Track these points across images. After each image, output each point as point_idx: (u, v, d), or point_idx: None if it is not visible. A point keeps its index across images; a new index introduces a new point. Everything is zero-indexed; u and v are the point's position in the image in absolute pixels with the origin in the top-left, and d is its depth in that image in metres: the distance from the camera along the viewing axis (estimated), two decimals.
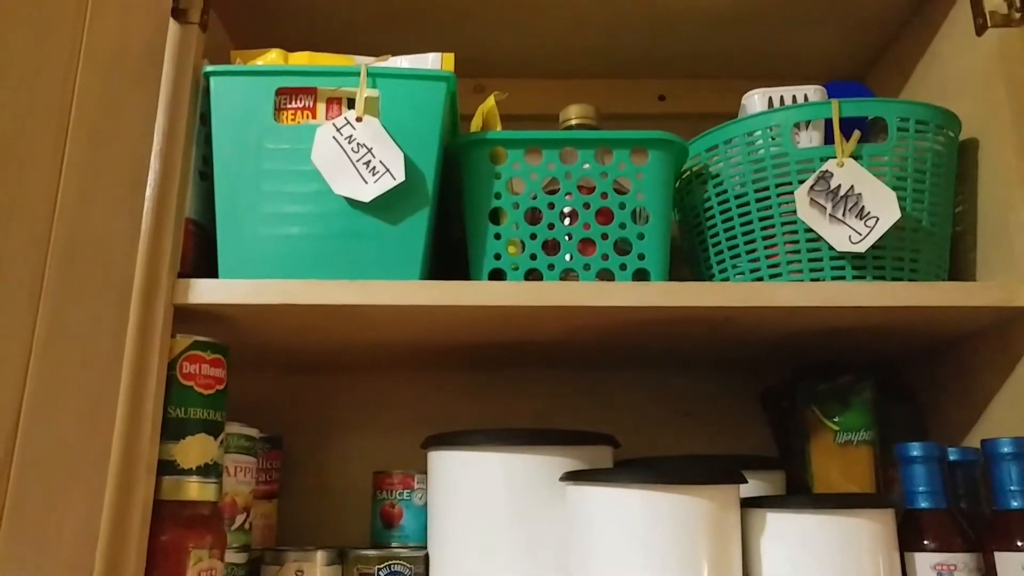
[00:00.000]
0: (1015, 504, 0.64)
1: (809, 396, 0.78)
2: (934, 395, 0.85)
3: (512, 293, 0.67)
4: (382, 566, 0.73)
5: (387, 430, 0.92)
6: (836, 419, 0.76)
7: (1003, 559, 0.63)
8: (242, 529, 0.75)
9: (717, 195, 0.76)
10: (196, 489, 0.65)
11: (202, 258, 0.71)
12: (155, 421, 0.63)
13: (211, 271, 0.68)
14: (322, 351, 0.85)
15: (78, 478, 0.61)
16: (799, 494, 0.78)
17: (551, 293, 0.67)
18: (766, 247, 0.73)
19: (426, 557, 0.75)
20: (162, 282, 0.65)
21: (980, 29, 0.74)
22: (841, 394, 0.77)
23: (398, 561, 0.73)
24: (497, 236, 0.72)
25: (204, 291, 0.66)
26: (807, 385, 0.79)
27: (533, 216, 0.73)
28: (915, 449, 0.69)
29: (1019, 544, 0.63)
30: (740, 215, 0.75)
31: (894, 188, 0.70)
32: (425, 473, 0.80)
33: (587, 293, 0.67)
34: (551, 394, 0.94)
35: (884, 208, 0.69)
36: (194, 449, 0.65)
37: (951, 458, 0.73)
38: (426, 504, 0.80)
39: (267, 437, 0.84)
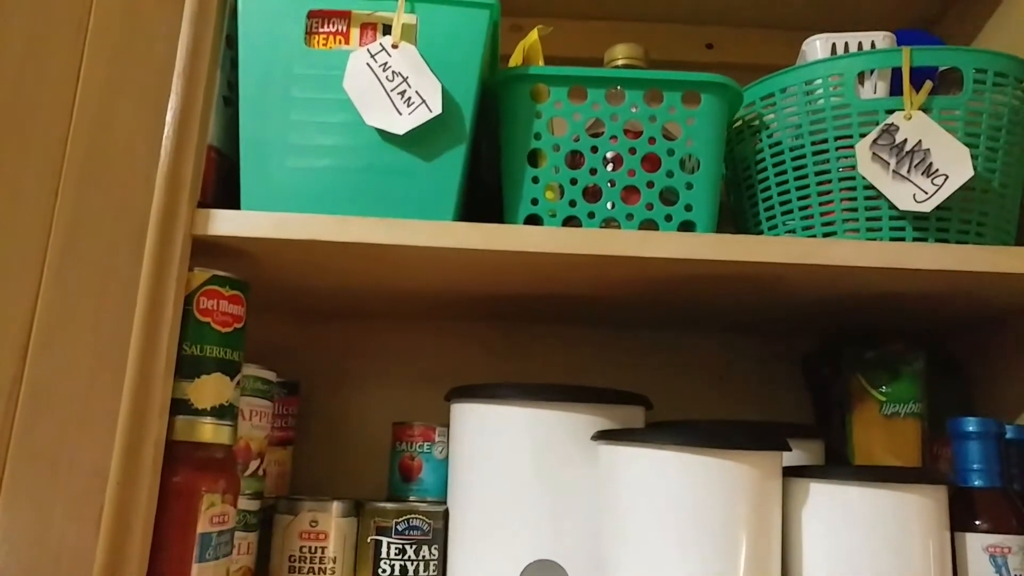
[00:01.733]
0: None
1: (855, 363, 0.74)
2: (985, 369, 0.81)
3: (550, 239, 0.62)
4: (400, 520, 0.70)
5: (408, 382, 0.89)
6: (884, 389, 0.72)
7: None
8: (256, 476, 0.72)
9: (771, 147, 0.72)
10: (210, 431, 0.62)
11: (224, 189, 0.67)
12: (169, 357, 0.60)
13: (233, 203, 0.64)
14: (345, 296, 0.81)
15: (90, 412, 0.58)
16: (840, 465, 0.75)
17: (591, 241, 0.63)
18: (821, 204, 0.69)
19: (445, 512, 0.72)
20: (181, 211, 0.61)
21: None
22: (890, 363, 0.72)
23: (416, 515, 0.70)
24: (535, 180, 0.68)
25: (225, 223, 0.62)
26: (854, 351, 0.74)
27: (574, 160, 0.68)
28: (971, 424, 0.65)
29: None
30: (795, 169, 0.70)
31: (966, 145, 0.65)
32: (447, 427, 0.77)
33: (630, 242, 0.63)
34: (580, 353, 0.90)
35: (955, 165, 0.64)
36: (209, 389, 0.62)
37: (1008, 436, 0.69)
38: (446, 458, 0.77)
39: (284, 382, 0.81)
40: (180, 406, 0.61)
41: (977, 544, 0.62)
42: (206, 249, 0.64)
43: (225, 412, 0.63)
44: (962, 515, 0.63)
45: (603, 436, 0.63)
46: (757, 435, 0.60)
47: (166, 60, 0.61)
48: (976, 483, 0.64)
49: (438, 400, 0.79)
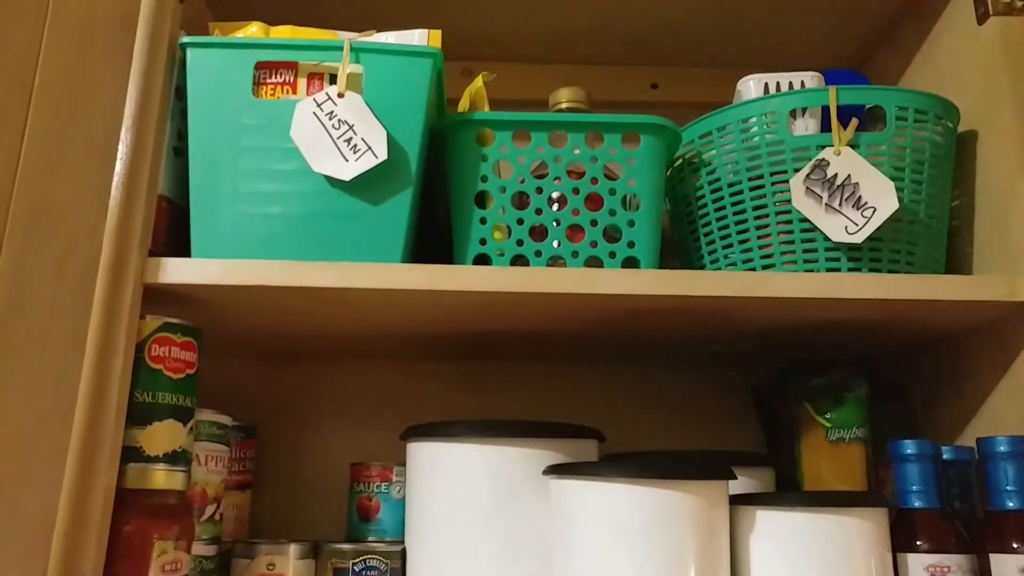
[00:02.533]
0: (1011, 504, 0.62)
1: (801, 392, 0.76)
2: (927, 393, 0.83)
3: (497, 279, 0.64)
4: (357, 560, 0.70)
5: (366, 421, 0.90)
6: (828, 416, 0.74)
7: (998, 561, 0.61)
8: (212, 520, 0.72)
9: (710, 183, 0.74)
10: (163, 477, 0.62)
11: (175, 237, 0.68)
12: (120, 405, 0.60)
13: (185, 251, 0.65)
14: (300, 337, 0.82)
15: (34, 464, 0.58)
16: (789, 491, 0.76)
17: (538, 279, 0.64)
18: (759, 237, 0.71)
19: (403, 552, 0.72)
20: (131, 260, 0.62)
21: (982, 18, 0.73)
22: (834, 390, 0.75)
23: (374, 556, 0.71)
24: (483, 221, 0.69)
25: (176, 271, 0.63)
26: (799, 381, 0.77)
27: (520, 201, 0.70)
28: (909, 447, 0.67)
29: (1015, 546, 0.61)
30: (733, 204, 0.72)
31: (892, 178, 0.68)
32: (404, 466, 0.78)
33: (575, 280, 0.64)
34: (536, 387, 0.92)
35: (882, 198, 0.67)
36: (161, 435, 0.62)
37: (945, 457, 0.71)
38: (404, 498, 0.77)
39: (241, 425, 0.81)
40: (132, 454, 0.61)
41: (919, 564, 0.64)
42: (158, 296, 0.65)
43: (178, 458, 0.63)
44: (903, 536, 0.65)
45: (553, 471, 0.64)
46: (703, 465, 0.62)
47: (114, 112, 0.63)
48: (916, 504, 0.66)
49: (394, 437, 0.80)
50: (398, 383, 0.91)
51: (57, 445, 0.58)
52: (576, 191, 0.70)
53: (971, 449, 0.72)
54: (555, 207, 0.70)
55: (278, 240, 0.65)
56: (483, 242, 0.69)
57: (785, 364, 0.85)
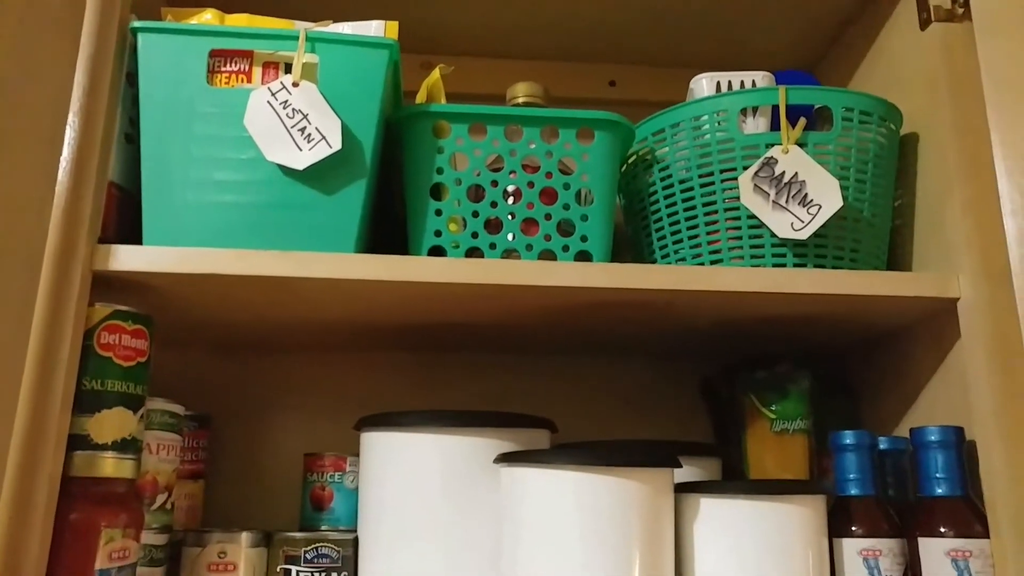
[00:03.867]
0: (939, 491, 0.65)
1: (747, 384, 0.78)
2: (869, 387, 0.86)
3: (452, 270, 0.65)
4: (309, 548, 0.71)
5: (321, 413, 0.90)
6: (773, 407, 0.76)
7: (926, 544, 0.64)
8: (163, 509, 0.72)
9: (662, 180, 0.76)
10: (111, 465, 0.62)
11: (127, 226, 0.67)
12: (66, 393, 0.60)
13: (137, 240, 0.65)
14: (254, 329, 0.82)
15: None
16: (733, 480, 0.78)
17: (492, 271, 0.65)
18: (709, 233, 0.73)
19: (355, 540, 0.73)
20: (79, 247, 0.61)
21: (924, 24, 0.75)
22: (779, 382, 0.77)
23: (325, 544, 0.71)
24: (438, 213, 0.70)
25: (126, 258, 0.63)
26: (745, 373, 0.79)
27: (476, 193, 0.71)
28: (847, 437, 0.69)
29: (942, 530, 0.64)
30: (684, 200, 0.74)
31: (837, 177, 0.70)
32: (357, 456, 0.78)
33: (529, 272, 0.65)
34: (492, 379, 0.93)
35: (827, 196, 0.69)
36: (110, 423, 0.62)
37: (881, 447, 0.73)
38: (357, 487, 0.78)
39: (194, 415, 0.81)
40: (79, 442, 0.61)
41: (853, 548, 0.66)
42: (110, 285, 0.64)
43: (127, 446, 0.63)
44: (840, 522, 0.67)
45: (503, 458, 0.65)
46: (649, 453, 0.63)
47: (61, 97, 0.62)
48: (852, 492, 0.68)
49: (348, 428, 0.80)
50: (353, 374, 0.91)
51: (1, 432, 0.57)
52: (531, 185, 0.71)
53: (906, 439, 0.75)
54: (510, 200, 0.71)
55: (231, 229, 0.65)
56: (438, 234, 0.70)
57: (734, 358, 0.87)
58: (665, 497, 0.63)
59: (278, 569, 0.70)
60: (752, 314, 0.74)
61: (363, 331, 0.83)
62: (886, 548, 0.66)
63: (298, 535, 0.71)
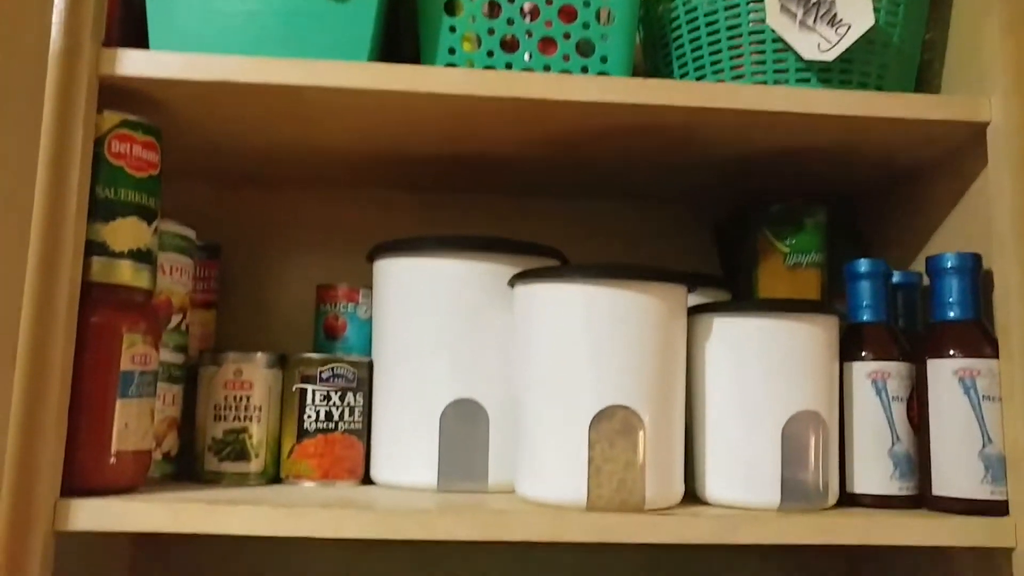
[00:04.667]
0: (951, 315, 0.65)
1: (762, 218, 0.78)
2: (880, 230, 0.86)
3: (468, 81, 0.63)
4: (324, 368, 0.72)
5: (329, 251, 0.89)
6: (788, 241, 0.76)
7: (935, 365, 0.65)
8: (178, 330, 0.73)
9: (684, 4, 0.73)
10: (129, 272, 0.62)
11: (132, 36, 0.65)
12: (81, 199, 0.60)
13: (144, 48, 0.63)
14: (262, 157, 0.81)
15: None
16: (742, 299, 0.79)
17: (509, 83, 0.63)
18: (731, 58, 0.71)
19: (370, 363, 0.74)
20: (84, 50, 0.59)
21: None
22: (794, 215, 0.76)
23: (341, 364, 0.72)
24: (452, 29, 0.68)
25: (133, 63, 0.61)
26: (760, 208, 0.78)
27: (492, 10, 0.68)
28: (863, 265, 0.69)
29: (951, 352, 0.64)
30: (707, 24, 0.71)
31: None
32: (370, 288, 0.79)
33: (547, 85, 0.64)
34: (498, 221, 0.92)
35: (858, 15, 0.66)
36: (125, 232, 0.62)
37: (894, 280, 0.74)
38: (370, 319, 0.79)
39: (204, 245, 0.80)
40: (96, 248, 0.61)
41: (862, 371, 0.67)
42: (115, 94, 0.63)
43: (143, 257, 0.63)
44: (851, 347, 0.68)
45: (518, 277, 0.66)
46: (663, 270, 0.63)
47: None
48: (864, 318, 0.69)
49: (358, 268, 0.80)
50: (362, 213, 0.90)
51: (17, 238, 0.57)
52: (549, 2, 0.68)
53: (919, 274, 0.75)
54: (527, 18, 0.69)
55: (240, 36, 0.63)
56: (452, 51, 0.68)
57: (745, 201, 0.86)
58: (678, 315, 0.64)
59: (294, 388, 0.72)
60: (770, 145, 0.73)
61: (372, 163, 0.81)
62: (894, 371, 0.67)
63: (314, 356, 0.73)
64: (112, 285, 0.61)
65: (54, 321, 0.58)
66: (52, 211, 0.59)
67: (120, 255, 0.62)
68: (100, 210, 0.61)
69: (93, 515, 0.57)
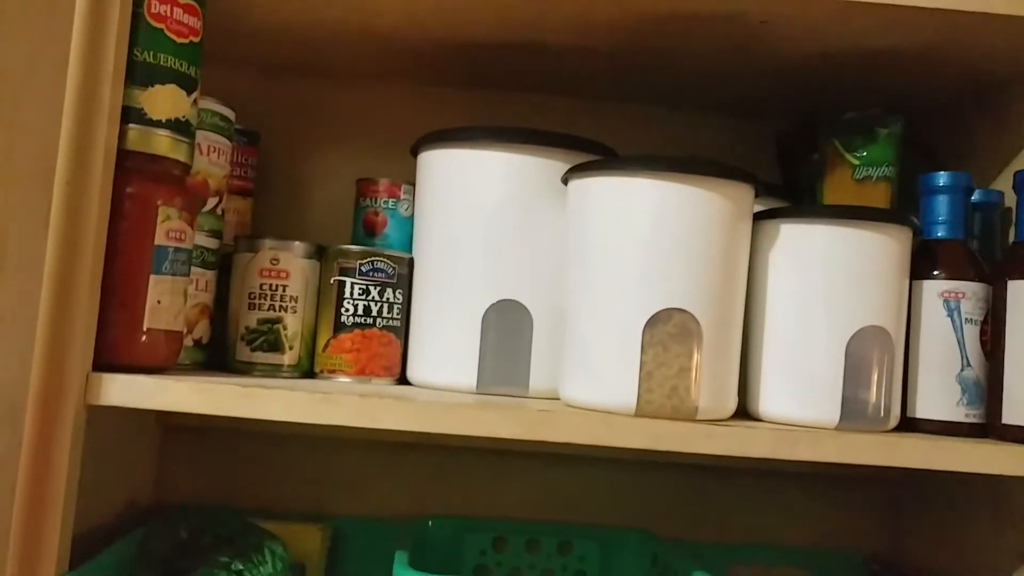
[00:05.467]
0: None
1: (832, 127, 0.73)
2: (960, 149, 0.80)
3: None
4: (364, 261, 0.69)
5: (372, 145, 0.86)
6: (859, 152, 0.71)
7: (1016, 287, 0.61)
8: (214, 214, 0.70)
9: None
10: (167, 143, 0.59)
11: None
12: (118, 60, 0.56)
13: None
14: (307, 42, 0.77)
15: (28, 111, 0.54)
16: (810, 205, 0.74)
17: None
18: None
19: (411, 260, 0.71)
20: None
21: None
22: (868, 125, 0.71)
23: (381, 258, 0.69)
24: None
25: None
26: (832, 117, 0.73)
27: None
28: (941, 178, 0.65)
29: None
30: None
31: None
32: (412, 185, 0.75)
33: None
34: (551, 122, 0.86)
35: None
36: (164, 99, 0.59)
37: (974, 200, 0.69)
38: (411, 217, 0.75)
39: (243, 131, 0.77)
40: (133, 114, 0.58)
41: (934, 290, 0.63)
42: None
43: (182, 128, 0.60)
44: (923, 265, 0.64)
45: (574, 171, 0.62)
46: (731, 167, 0.59)
47: None
48: (939, 235, 0.64)
49: (401, 165, 0.76)
50: (406, 109, 0.86)
51: (51, 97, 0.54)
52: None
53: (1001, 193, 0.70)
54: None
55: None
56: None
57: (810, 113, 0.81)
58: (743, 217, 0.60)
59: (331, 281, 0.69)
60: (846, 45, 0.67)
61: (423, 51, 0.77)
62: (969, 291, 0.63)
63: (354, 248, 0.70)
64: (149, 155, 0.58)
65: (88, 188, 0.55)
66: (87, 72, 0.55)
67: (158, 124, 0.58)
68: (138, 74, 0.58)
69: (125, 390, 0.55)
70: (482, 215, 0.67)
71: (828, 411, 0.60)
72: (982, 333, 0.63)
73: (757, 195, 0.62)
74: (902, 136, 0.71)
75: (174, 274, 0.60)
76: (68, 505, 0.54)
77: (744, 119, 0.88)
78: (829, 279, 0.60)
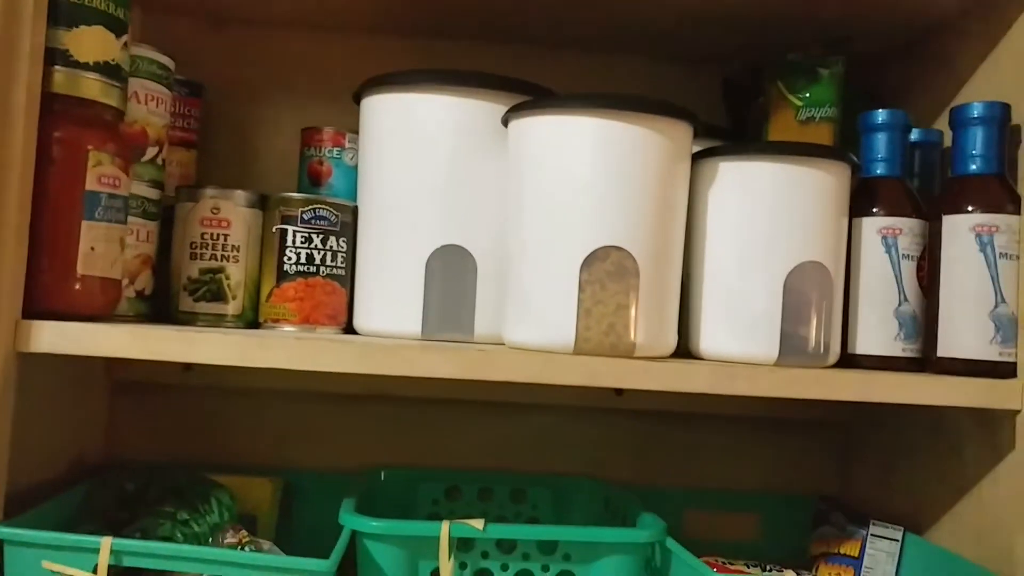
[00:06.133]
0: (973, 168, 0.61)
1: (776, 70, 0.73)
2: (900, 90, 0.81)
3: None
4: (307, 208, 0.68)
5: (316, 96, 0.85)
6: (802, 94, 0.71)
7: (951, 221, 0.61)
8: (154, 163, 0.69)
9: None
10: (96, 87, 0.58)
11: None
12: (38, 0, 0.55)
13: None
14: None
15: None
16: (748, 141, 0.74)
17: None
18: None
19: (354, 208, 0.70)
20: None
21: None
22: (810, 66, 0.71)
23: (323, 206, 0.69)
24: None
25: None
26: (775, 58, 0.73)
27: None
28: (879, 116, 0.65)
29: (969, 208, 0.61)
30: None
31: None
32: (357, 134, 0.74)
33: None
34: (494, 69, 0.86)
35: None
36: (91, 41, 0.57)
37: (913, 138, 0.69)
38: (356, 166, 0.75)
39: (185, 81, 0.76)
40: (58, 56, 0.56)
41: (872, 227, 0.64)
42: None
43: (112, 72, 0.58)
44: (862, 202, 0.64)
45: (514, 110, 0.61)
46: (669, 104, 0.59)
47: None
48: (878, 172, 0.65)
49: (346, 115, 0.75)
50: (350, 58, 0.85)
51: None
52: None
53: (939, 132, 0.71)
54: None
55: None
56: None
57: (756, 58, 0.81)
58: (682, 157, 0.60)
59: (273, 229, 0.68)
60: None
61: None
62: (907, 228, 0.63)
63: (296, 195, 0.69)
64: (77, 99, 0.57)
65: (11, 132, 0.54)
66: (5, 11, 0.54)
67: (86, 67, 0.57)
68: (62, 15, 0.56)
69: (57, 337, 0.55)
70: (424, 160, 0.66)
71: (767, 347, 0.60)
72: (919, 269, 0.63)
73: (696, 134, 0.62)
74: (844, 77, 0.71)
75: (108, 220, 0.59)
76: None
77: (689, 65, 0.87)
78: (767, 215, 0.60)
